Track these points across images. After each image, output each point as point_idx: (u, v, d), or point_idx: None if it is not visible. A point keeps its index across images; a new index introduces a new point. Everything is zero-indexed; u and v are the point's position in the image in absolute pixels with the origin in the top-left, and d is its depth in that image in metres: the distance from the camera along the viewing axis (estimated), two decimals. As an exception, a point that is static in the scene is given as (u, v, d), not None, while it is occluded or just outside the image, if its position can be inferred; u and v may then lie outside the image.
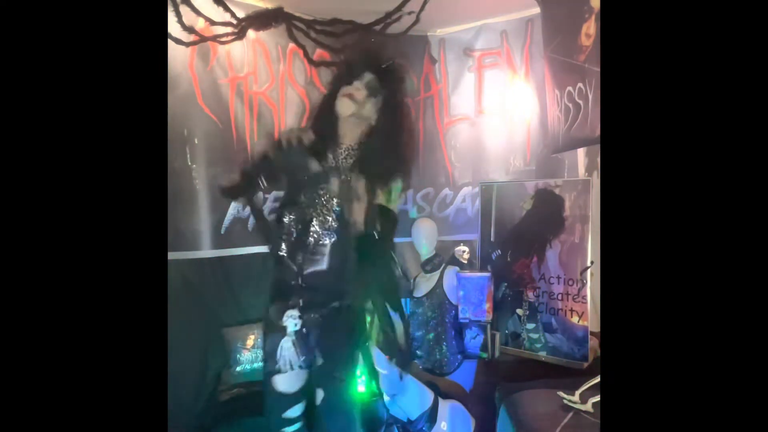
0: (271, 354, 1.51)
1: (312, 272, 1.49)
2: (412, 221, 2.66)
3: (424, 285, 2.52)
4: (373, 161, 1.51)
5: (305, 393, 1.59)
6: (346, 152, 1.55)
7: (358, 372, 1.70)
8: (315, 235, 1.49)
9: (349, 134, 1.56)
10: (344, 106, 1.51)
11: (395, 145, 1.55)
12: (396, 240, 2.73)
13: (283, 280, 1.52)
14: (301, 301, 1.49)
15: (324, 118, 1.59)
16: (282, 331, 1.48)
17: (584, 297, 1.99)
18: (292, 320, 1.45)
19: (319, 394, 1.58)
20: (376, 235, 1.44)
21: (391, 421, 2.34)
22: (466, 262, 2.47)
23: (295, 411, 1.58)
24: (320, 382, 1.58)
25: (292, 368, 1.49)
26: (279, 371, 1.51)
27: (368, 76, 1.52)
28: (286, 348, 1.47)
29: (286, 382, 1.55)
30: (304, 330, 1.49)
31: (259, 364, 2.40)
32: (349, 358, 1.61)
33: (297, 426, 1.59)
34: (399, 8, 2.07)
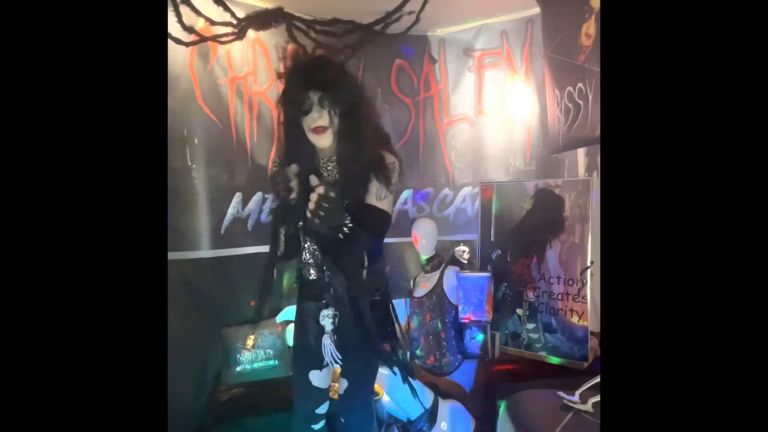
0: (306, 350, 1.57)
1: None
2: (412, 221, 2.66)
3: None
4: (353, 162, 1.45)
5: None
6: (331, 165, 1.51)
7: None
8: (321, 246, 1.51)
9: (328, 150, 1.51)
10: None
11: (368, 137, 1.48)
12: (396, 240, 2.78)
13: (312, 282, 1.56)
14: (329, 300, 1.54)
15: (303, 154, 1.48)
16: (317, 330, 1.54)
17: (584, 297, 1.99)
18: (328, 319, 1.53)
19: (343, 384, 1.62)
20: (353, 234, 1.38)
21: (391, 421, 2.34)
22: (466, 262, 2.47)
23: (324, 407, 1.66)
24: (346, 373, 1.61)
25: (335, 363, 1.54)
26: (325, 366, 1.59)
27: (315, 96, 1.41)
28: (328, 345, 1.53)
29: (321, 377, 1.63)
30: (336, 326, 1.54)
31: (259, 364, 2.41)
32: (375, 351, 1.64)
33: (323, 424, 1.67)
34: (399, 8, 2.07)
